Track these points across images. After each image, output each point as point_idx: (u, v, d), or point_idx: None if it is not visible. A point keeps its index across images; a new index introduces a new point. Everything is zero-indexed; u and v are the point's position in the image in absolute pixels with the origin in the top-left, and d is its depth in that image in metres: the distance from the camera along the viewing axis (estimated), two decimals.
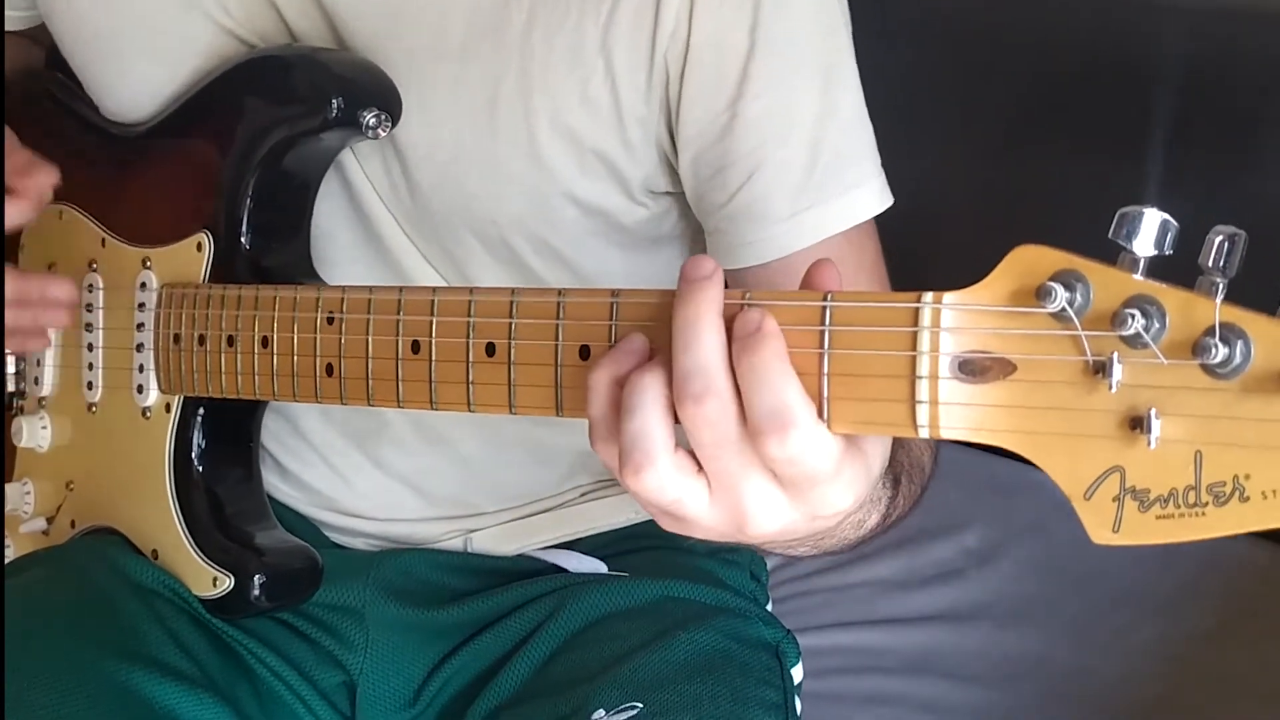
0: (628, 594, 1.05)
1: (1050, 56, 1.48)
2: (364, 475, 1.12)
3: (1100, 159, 1.45)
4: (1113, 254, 0.52)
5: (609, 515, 1.15)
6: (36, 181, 1.01)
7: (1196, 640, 1.33)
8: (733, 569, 1.15)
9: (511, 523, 1.14)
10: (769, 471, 0.61)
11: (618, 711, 0.90)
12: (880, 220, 0.95)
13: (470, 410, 0.75)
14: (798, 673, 1.07)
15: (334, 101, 0.92)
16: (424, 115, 0.95)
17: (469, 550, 1.13)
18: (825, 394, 0.58)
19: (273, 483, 1.12)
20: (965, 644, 1.34)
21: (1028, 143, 1.49)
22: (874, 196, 0.93)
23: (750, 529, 0.63)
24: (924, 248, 0.96)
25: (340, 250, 1.03)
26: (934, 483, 1.40)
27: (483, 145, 0.94)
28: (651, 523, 1.13)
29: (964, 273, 0.57)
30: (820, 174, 0.91)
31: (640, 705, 0.91)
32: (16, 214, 1.01)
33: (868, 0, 0.96)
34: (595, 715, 0.90)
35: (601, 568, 1.11)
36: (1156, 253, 0.51)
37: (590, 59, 0.91)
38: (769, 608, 1.17)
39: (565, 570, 1.11)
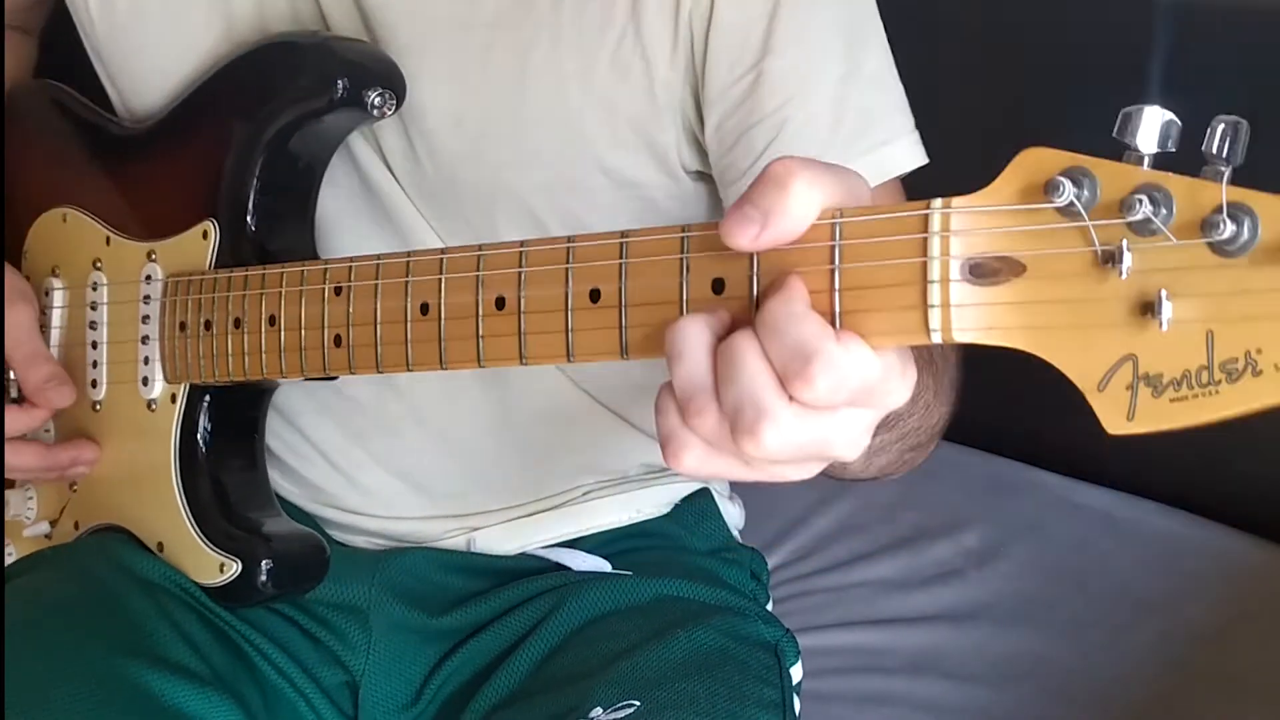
0: (627, 592, 1.05)
1: (1059, 52, 1.50)
2: (365, 472, 1.12)
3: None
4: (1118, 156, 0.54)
5: (611, 514, 1.15)
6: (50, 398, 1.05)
7: (1196, 640, 1.33)
8: (733, 567, 1.16)
9: (514, 521, 1.14)
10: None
11: (615, 709, 0.90)
12: None
13: (480, 365, 0.75)
14: (797, 672, 1.07)
15: (339, 82, 0.93)
16: (454, 85, 0.95)
17: (472, 549, 1.13)
18: (838, 309, 0.59)
19: (274, 479, 1.11)
20: (965, 644, 1.33)
21: (1037, 138, 1.50)
22: (905, 152, 0.94)
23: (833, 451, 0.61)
24: None
25: (350, 235, 1.04)
26: (934, 483, 1.42)
27: (513, 112, 0.95)
28: (653, 521, 1.15)
29: None
30: (846, 131, 0.92)
31: (638, 703, 0.91)
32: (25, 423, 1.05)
33: None
34: (593, 713, 0.90)
35: (605, 566, 1.11)
36: (1159, 149, 0.52)
37: (620, 23, 0.92)
38: (769, 607, 1.17)
39: (569, 569, 1.11)
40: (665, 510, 1.17)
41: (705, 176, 1.00)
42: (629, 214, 1.00)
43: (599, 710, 0.90)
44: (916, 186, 0.96)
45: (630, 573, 1.09)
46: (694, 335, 0.61)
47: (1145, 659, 1.32)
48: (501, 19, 0.94)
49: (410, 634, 1.08)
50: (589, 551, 1.12)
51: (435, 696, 1.06)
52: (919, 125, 0.96)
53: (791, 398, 0.57)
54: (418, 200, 1.01)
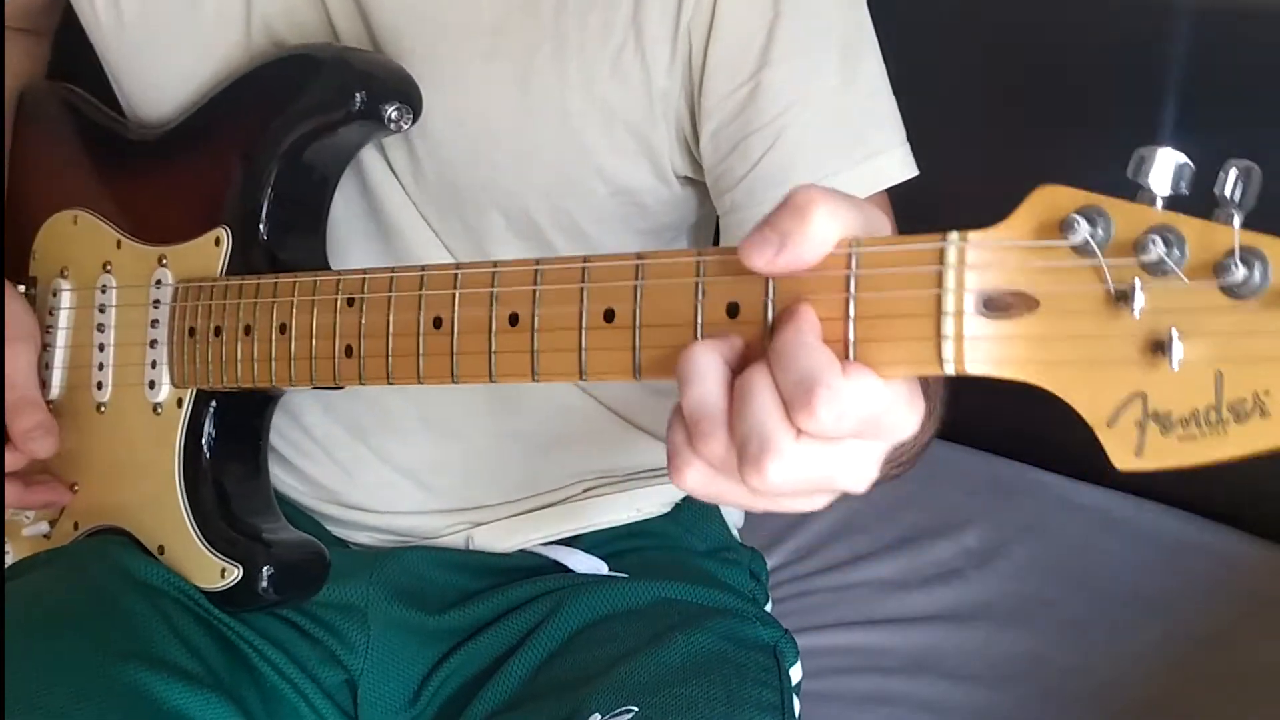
0: (625, 595, 1.06)
1: (1061, 49, 1.50)
2: (367, 468, 1.13)
3: (1111, 152, 1.46)
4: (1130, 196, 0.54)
5: (612, 512, 1.15)
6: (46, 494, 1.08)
7: (1196, 640, 1.34)
8: (732, 568, 1.16)
9: (514, 517, 1.14)
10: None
11: (613, 715, 0.91)
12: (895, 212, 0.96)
13: (492, 381, 0.75)
14: (796, 673, 1.07)
15: (357, 95, 0.94)
16: (456, 88, 0.96)
17: (470, 547, 1.14)
18: (851, 337, 0.60)
19: (275, 475, 1.12)
20: (965, 644, 1.34)
21: (1039, 136, 1.50)
22: (898, 163, 0.95)
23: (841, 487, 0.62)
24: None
25: (347, 231, 1.04)
26: (934, 483, 1.42)
27: (514, 116, 0.95)
28: (653, 521, 1.16)
29: None
30: (843, 140, 0.93)
31: (635, 709, 0.91)
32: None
33: None
34: (591, 719, 0.91)
35: (602, 567, 1.11)
36: (1172, 192, 0.53)
37: (622, 31, 0.93)
38: (768, 607, 1.18)
39: (567, 568, 1.11)
40: (666, 509, 1.17)
41: (693, 182, 1.02)
42: (621, 216, 1.01)
43: (597, 716, 0.91)
44: (917, 191, 0.97)
45: (626, 575, 1.10)
46: (704, 361, 0.61)
47: (1145, 659, 1.32)
48: (503, 26, 0.95)
49: (409, 633, 1.08)
50: (588, 550, 1.13)
51: (434, 698, 1.07)
52: (915, 136, 0.97)
53: (798, 429, 0.58)
54: (417, 199, 1.02)
